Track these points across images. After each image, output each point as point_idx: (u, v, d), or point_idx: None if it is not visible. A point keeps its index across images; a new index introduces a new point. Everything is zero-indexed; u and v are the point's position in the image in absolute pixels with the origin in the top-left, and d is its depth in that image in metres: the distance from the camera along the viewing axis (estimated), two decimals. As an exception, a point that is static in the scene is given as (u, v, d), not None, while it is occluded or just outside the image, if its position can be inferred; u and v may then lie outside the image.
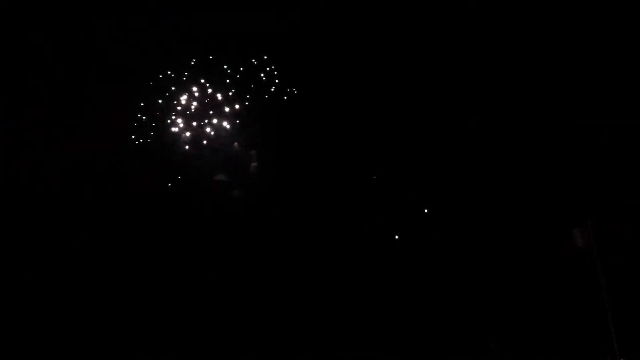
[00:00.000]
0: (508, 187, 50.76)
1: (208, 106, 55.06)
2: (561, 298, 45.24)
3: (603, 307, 37.14)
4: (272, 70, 55.80)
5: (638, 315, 40.79)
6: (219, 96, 55.14)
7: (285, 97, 55.07)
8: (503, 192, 50.80)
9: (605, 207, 42.46)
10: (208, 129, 54.61)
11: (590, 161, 48.50)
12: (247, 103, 55.10)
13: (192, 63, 55.35)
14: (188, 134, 54.43)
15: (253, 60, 55.60)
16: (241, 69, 55.44)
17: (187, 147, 54.22)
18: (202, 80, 55.05)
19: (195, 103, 55.16)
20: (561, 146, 50.09)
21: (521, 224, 49.36)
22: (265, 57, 55.87)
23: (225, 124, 54.68)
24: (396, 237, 51.08)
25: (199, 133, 54.58)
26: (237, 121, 54.73)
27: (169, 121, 54.64)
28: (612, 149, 48.07)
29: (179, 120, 54.66)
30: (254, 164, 54.11)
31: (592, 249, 37.42)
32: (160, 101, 54.97)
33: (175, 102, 55.00)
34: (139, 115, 54.78)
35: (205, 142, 54.38)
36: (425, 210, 51.47)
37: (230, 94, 55.17)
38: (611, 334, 36.43)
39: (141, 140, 54.44)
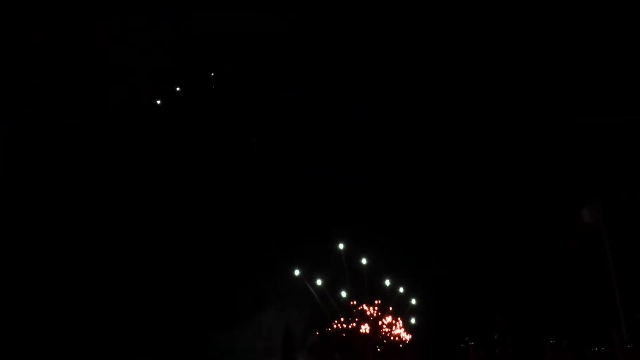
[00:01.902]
0: (507, 183, 50.91)
1: (207, 105, 55.28)
2: (558, 283, 46.64)
3: (606, 285, 38.61)
4: (271, 69, 55.96)
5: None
6: (217, 95, 55.39)
7: (284, 96, 55.22)
8: (502, 188, 50.94)
9: (605, 203, 42.56)
10: (207, 128, 54.80)
11: (589, 158, 48.62)
12: (245, 102, 55.28)
13: (191, 63, 55.64)
14: (186, 133, 54.62)
15: (252, 60, 55.80)
16: (240, 68, 55.64)
17: (185, 146, 54.36)
18: (200, 80, 55.29)
19: (193, 102, 55.44)
20: (560, 143, 50.24)
21: (520, 218, 49.58)
22: (264, 57, 56.05)
23: (224, 122, 54.84)
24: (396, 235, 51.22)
25: (197, 132, 54.75)
26: (236, 119, 54.91)
27: (168, 120, 54.82)
28: (612, 146, 48.18)
29: (178, 120, 54.87)
30: (252, 161, 54.22)
31: (600, 224, 39.08)
32: (158, 101, 55.21)
33: (174, 101, 55.23)
34: (138, 115, 54.91)
35: (203, 140, 54.53)
36: (424, 206, 51.54)
37: (229, 92, 55.39)
38: (617, 309, 37.54)
39: (141, 140, 54.46)
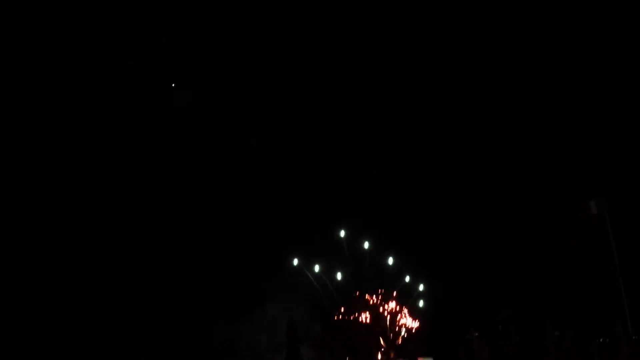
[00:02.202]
0: (508, 183, 51.02)
1: (207, 105, 55.32)
2: (558, 277, 47.09)
3: (611, 278, 39.41)
4: (271, 69, 55.99)
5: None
6: (217, 95, 55.43)
7: (284, 96, 55.26)
8: (503, 187, 51.04)
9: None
10: (207, 128, 54.86)
11: (589, 158, 48.75)
12: (245, 102, 55.33)
13: (191, 63, 55.65)
14: (186, 133, 54.67)
15: (252, 60, 55.82)
16: (240, 68, 55.67)
17: (185, 145, 54.42)
18: (200, 80, 55.32)
19: (193, 103, 55.48)
20: (560, 143, 50.35)
21: (521, 218, 49.75)
22: (264, 57, 56.08)
23: (224, 122, 54.93)
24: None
25: (197, 132, 54.80)
26: (236, 119, 54.97)
27: (167, 120, 54.86)
28: (612, 146, 48.31)
29: (178, 120, 54.91)
30: (252, 161, 54.28)
31: (605, 217, 40.05)
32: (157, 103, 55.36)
33: (173, 101, 55.29)
34: (138, 115, 54.94)
35: (203, 140, 54.58)
36: (424, 206, 51.63)
37: (229, 92, 55.43)
38: (622, 299, 38.19)
39: (141, 140, 54.49)
